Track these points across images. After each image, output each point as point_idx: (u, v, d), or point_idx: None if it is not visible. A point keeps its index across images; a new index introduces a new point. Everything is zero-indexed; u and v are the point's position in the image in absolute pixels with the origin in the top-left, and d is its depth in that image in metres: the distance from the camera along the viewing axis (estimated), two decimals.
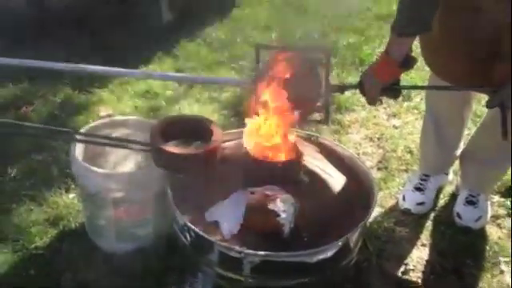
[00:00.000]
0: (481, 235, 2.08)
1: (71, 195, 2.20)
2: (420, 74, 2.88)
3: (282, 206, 1.62)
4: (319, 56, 1.76)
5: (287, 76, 1.71)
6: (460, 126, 2.15)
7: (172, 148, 1.68)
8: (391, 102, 2.80)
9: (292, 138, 1.80)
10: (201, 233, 1.60)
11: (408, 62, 1.63)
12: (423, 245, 2.03)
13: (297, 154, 1.77)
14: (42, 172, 2.30)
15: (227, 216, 1.67)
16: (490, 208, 2.15)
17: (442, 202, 2.24)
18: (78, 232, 2.03)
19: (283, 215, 1.61)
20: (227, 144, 1.93)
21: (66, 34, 3.17)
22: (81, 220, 2.07)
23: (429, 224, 2.13)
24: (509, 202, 2.23)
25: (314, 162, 1.89)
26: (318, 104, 1.81)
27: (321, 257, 1.57)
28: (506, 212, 2.19)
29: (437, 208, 2.21)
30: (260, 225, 1.63)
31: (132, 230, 1.92)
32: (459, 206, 2.13)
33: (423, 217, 2.15)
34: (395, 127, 2.71)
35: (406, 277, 1.90)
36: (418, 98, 2.86)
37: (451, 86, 1.81)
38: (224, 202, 1.72)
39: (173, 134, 1.75)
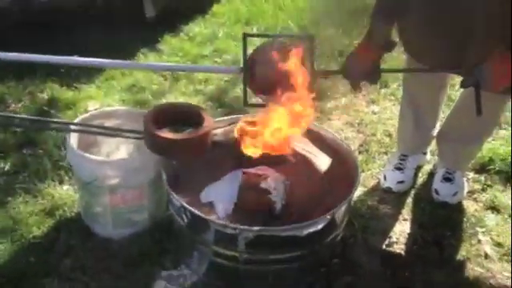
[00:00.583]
0: (458, 209, 2.20)
1: (65, 187, 2.25)
2: (396, 62, 2.99)
3: (274, 184, 1.71)
4: (304, 43, 1.86)
5: (274, 63, 1.80)
6: (436, 108, 2.28)
7: (166, 134, 1.76)
8: (370, 89, 2.92)
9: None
10: (197, 212, 1.69)
11: (389, 45, 1.76)
12: (405, 219, 2.15)
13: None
14: (35, 165, 2.35)
15: (221, 196, 1.76)
16: (466, 184, 2.28)
17: (421, 180, 2.36)
18: (74, 221, 2.09)
19: (275, 193, 1.71)
20: (217, 131, 2.02)
21: (48, 32, 3.20)
22: (76, 210, 2.13)
23: (409, 201, 2.25)
24: (483, 178, 2.36)
25: (300, 144, 1.99)
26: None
27: (311, 230, 1.67)
28: (480, 187, 2.32)
29: (416, 186, 2.33)
30: (253, 203, 1.73)
31: (128, 216, 1.98)
32: (437, 183, 2.26)
33: (404, 194, 2.27)
34: (374, 113, 2.83)
35: (390, 249, 2.01)
36: (395, 85, 2.99)
37: (429, 68, 1.93)
38: (218, 183, 1.81)
39: (165, 122, 1.82)
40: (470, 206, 2.23)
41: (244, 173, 1.76)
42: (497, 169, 2.39)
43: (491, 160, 2.43)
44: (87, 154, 1.89)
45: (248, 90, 1.78)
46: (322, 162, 1.93)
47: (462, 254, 2.00)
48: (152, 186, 1.96)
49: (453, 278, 1.88)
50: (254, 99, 1.87)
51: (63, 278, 1.86)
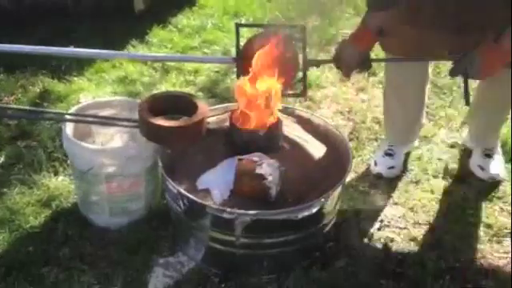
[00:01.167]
0: (448, 192, 2.26)
1: (60, 177, 2.27)
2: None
3: (269, 169, 1.75)
4: (296, 33, 1.91)
5: (266, 52, 1.84)
6: (422, 100, 2.30)
7: (161, 121, 1.79)
8: (358, 77, 2.97)
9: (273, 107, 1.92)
10: (194, 198, 1.73)
11: (382, 32, 1.82)
12: (395, 203, 2.21)
13: (277, 121, 1.90)
14: (29, 157, 2.36)
15: (218, 182, 1.79)
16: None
17: (410, 165, 2.42)
18: (71, 211, 2.10)
19: (270, 178, 1.74)
20: (211, 119, 2.05)
21: (39, 27, 3.21)
22: (72, 200, 2.14)
23: (400, 185, 2.30)
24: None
25: (293, 131, 2.04)
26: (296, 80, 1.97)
27: (306, 213, 1.72)
28: None
29: (406, 171, 2.38)
30: (249, 188, 1.76)
31: (125, 205, 2.00)
32: (479, 160, 2.31)
33: (394, 179, 2.32)
34: (363, 101, 2.88)
35: (382, 232, 2.06)
36: (383, 73, 3.03)
37: (418, 56, 1.98)
38: (213, 170, 1.84)
39: (160, 110, 1.86)
40: (459, 188, 2.29)
41: (239, 159, 1.79)
42: None
43: None
44: (83, 143, 1.91)
45: None
46: (315, 148, 1.98)
47: (452, 235, 2.06)
48: (148, 174, 1.99)
49: (444, 260, 1.93)
50: None
51: (62, 266, 1.88)
